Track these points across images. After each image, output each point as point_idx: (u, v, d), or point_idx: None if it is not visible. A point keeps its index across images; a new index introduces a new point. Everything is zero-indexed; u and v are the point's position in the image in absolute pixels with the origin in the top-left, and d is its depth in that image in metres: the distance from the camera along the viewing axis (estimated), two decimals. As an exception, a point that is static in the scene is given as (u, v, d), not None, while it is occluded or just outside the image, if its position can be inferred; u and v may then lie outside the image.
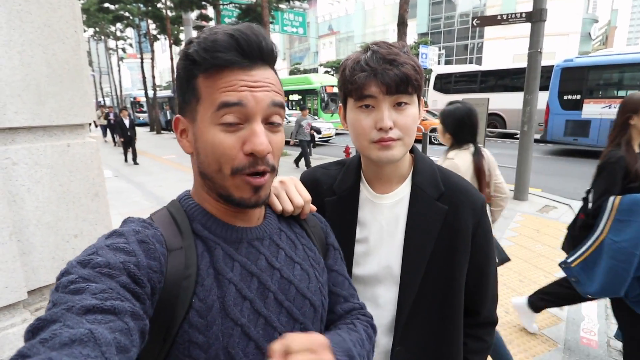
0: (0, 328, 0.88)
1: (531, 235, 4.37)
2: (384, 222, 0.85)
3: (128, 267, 0.45)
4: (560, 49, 28.99)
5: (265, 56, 0.55)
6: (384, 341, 0.84)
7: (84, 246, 1.01)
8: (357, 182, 0.88)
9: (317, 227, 0.73)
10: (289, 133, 11.58)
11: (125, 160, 10.49)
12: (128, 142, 10.27)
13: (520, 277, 3.41)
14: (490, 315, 0.92)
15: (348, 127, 0.83)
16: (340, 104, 0.87)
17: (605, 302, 2.92)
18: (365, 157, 0.85)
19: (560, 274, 3.46)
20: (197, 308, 0.51)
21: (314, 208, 0.73)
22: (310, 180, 0.92)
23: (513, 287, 3.23)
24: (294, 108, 17.59)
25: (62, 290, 0.40)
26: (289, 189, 0.70)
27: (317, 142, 11.94)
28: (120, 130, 10.26)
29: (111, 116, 13.25)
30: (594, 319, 2.74)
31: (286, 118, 12.29)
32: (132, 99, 28.38)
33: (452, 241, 0.81)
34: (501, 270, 3.53)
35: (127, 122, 10.26)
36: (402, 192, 0.85)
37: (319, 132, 11.29)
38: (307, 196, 0.71)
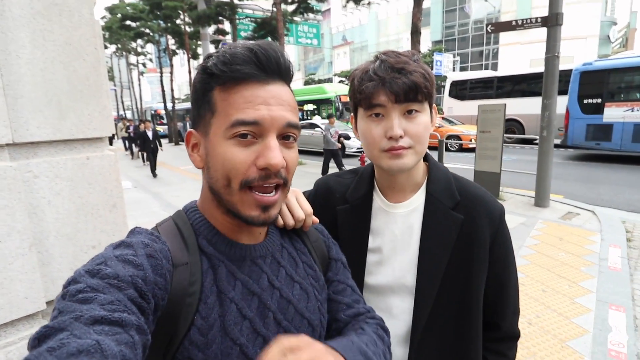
0: (20, 338, 0.90)
1: (554, 243, 4.22)
2: (397, 232, 0.84)
3: (136, 281, 0.45)
4: (579, 52, 28.31)
5: (283, 72, 0.55)
6: (399, 352, 0.83)
7: (101, 256, 1.03)
8: (370, 191, 0.87)
9: (319, 242, 0.72)
10: (315, 142, 11.55)
11: (154, 175, 10.13)
12: (151, 153, 10.22)
13: (543, 286, 3.29)
14: (511, 329, 0.88)
15: (359, 136, 0.83)
16: (352, 114, 0.87)
17: (634, 313, 2.78)
18: (377, 166, 0.84)
19: (585, 283, 3.33)
20: (198, 326, 0.51)
21: (316, 220, 0.72)
22: (323, 188, 0.92)
23: (536, 297, 3.12)
24: (308, 117, 17.60)
25: (70, 299, 0.40)
26: (290, 202, 0.69)
27: (347, 153, 11.30)
28: (143, 143, 10.34)
29: (131, 129, 13.61)
30: (622, 330, 2.61)
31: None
32: (152, 112, 29.19)
33: (468, 251, 0.79)
34: (523, 280, 3.42)
35: (150, 133, 10.30)
36: (417, 202, 0.84)
37: (347, 137, 10.95)
38: (309, 209, 0.70)
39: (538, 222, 4.92)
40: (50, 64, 0.93)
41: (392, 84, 0.72)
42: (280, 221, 0.66)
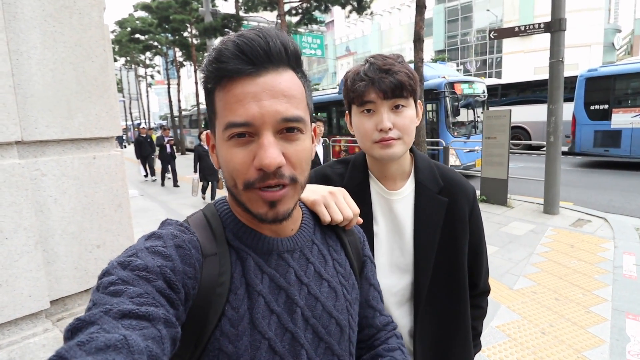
0: (22, 337, 0.89)
1: (565, 250, 4.13)
2: (393, 217, 0.93)
3: (165, 271, 0.45)
4: (583, 60, 28.27)
5: (275, 58, 0.50)
6: (402, 322, 0.93)
7: (106, 257, 1.03)
8: (366, 179, 0.95)
9: (355, 238, 0.71)
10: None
11: (175, 183, 9.73)
12: (168, 162, 9.92)
13: (556, 295, 3.20)
14: (484, 286, 1.05)
15: (354, 131, 0.92)
16: (347, 112, 0.95)
17: (652, 323, 2.69)
18: (369, 156, 0.94)
19: (600, 292, 3.24)
20: (229, 316, 0.51)
21: (361, 220, 0.74)
22: (320, 177, 0.98)
23: (549, 305, 3.04)
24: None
25: (103, 291, 0.41)
26: (339, 201, 0.70)
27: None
28: (161, 151, 10.11)
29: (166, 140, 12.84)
30: (641, 340, 2.52)
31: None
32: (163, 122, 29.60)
33: (453, 228, 0.92)
34: (535, 288, 3.34)
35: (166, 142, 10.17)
36: (408, 189, 0.94)
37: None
38: (356, 209, 0.72)
39: (548, 230, 4.83)
40: (60, 65, 0.94)
41: (380, 83, 0.82)
42: (327, 218, 0.66)
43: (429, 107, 8.89)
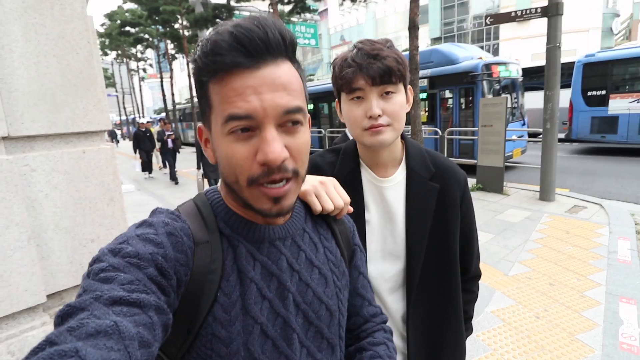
0: (21, 331, 0.90)
1: (560, 236, 4.17)
2: (385, 204, 0.92)
3: (156, 258, 0.45)
4: (581, 45, 28.09)
5: (274, 49, 0.49)
6: (395, 307, 0.94)
7: (100, 250, 1.03)
8: (357, 167, 0.94)
9: (345, 227, 0.72)
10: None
11: (176, 181, 9.32)
12: (171, 157, 9.47)
13: (550, 280, 3.25)
14: (476, 271, 1.05)
15: (344, 118, 0.90)
16: (337, 99, 0.93)
17: (645, 305, 2.73)
18: (360, 144, 0.93)
19: (594, 276, 3.28)
20: (221, 302, 0.51)
21: (351, 209, 0.74)
22: (311, 166, 0.95)
23: (543, 290, 3.08)
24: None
25: (93, 278, 0.41)
26: (330, 190, 0.70)
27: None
28: (162, 146, 9.68)
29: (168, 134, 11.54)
30: (634, 323, 2.56)
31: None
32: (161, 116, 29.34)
33: (445, 214, 0.92)
34: (529, 274, 3.38)
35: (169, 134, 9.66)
36: (399, 176, 0.94)
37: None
38: (347, 198, 0.72)
39: (544, 216, 4.87)
40: (44, 58, 0.93)
41: (368, 69, 0.80)
42: (318, 207, 0.66)
43: (462, 92, 8.06)
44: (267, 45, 0.48)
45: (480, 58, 7.86)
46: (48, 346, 0.33)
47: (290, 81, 0.50)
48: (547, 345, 2.38)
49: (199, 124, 0.58)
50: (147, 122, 11.39)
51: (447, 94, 8.58)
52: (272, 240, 0.58)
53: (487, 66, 7.72)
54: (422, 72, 7.77)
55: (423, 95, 8.86)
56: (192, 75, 0.53)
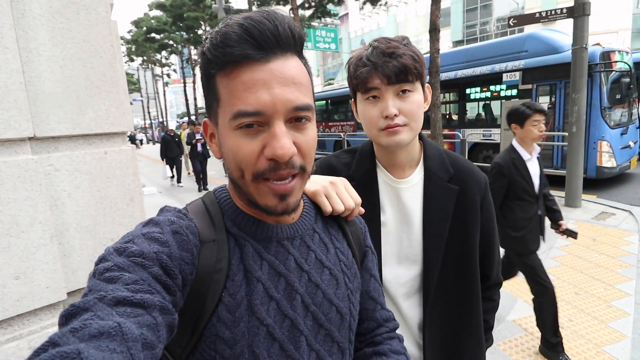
0: (42, 327, 0.92)
1: (587, 244, 3.99)
2: (402, 206, 0.90)
3: (161, 257, 0.45)
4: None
5: (284, 43, 0.48)
6: (411, 313, 0.91)
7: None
8: (373, 168, 0.93)
9: (356, 228, 0.70)
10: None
11: (204, 185, 8.88)
12: (200, 163, 8.90)
13: (576, 289, 3.11)
14: (497, 278, 1.02)
15: (360, 118, 0.88)
16: (352, 99, 0.92)
17: (680, 319, 2.57)
18: (376, 144, 0.92)
19: (622, 286, 3.11)
20: (226, 302, 0.50)
21: (362, 210, 0.72)
22: (326, 167, 0.95)
23: (568, 300, 2.95)
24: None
25: (98, 277, 0.41)
26: (340, 190, 0.69)
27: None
28: (191, 150, 9.05)
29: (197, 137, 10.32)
30: (668, 338, 2.42)
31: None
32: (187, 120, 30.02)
33: (464, 217, 0.89)
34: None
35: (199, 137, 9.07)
36: (417, 177, 0.91)
37: None
38: (358, 199, 0.70)
39: (569, 223, 4.68)
40: (69, 61, 0.96)
41: (384, 68, 0.78)
42: (328, 208, 0.65)
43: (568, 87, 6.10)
44: (277, 38, 0.47)
45: (598, 44, 6.26)
46: (51, 347, 0.33)
47: (300, 76, 0.50)
48: (572, 357, 2.28)
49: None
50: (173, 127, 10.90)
51: (548, 89, 6.89)
52: (280, 239, 0.57)
53: (607, 54, 6.08)
54: (511, 64, 6.91)
55: (512, 92, 7.34)
56: (199, 68, 0.53)
